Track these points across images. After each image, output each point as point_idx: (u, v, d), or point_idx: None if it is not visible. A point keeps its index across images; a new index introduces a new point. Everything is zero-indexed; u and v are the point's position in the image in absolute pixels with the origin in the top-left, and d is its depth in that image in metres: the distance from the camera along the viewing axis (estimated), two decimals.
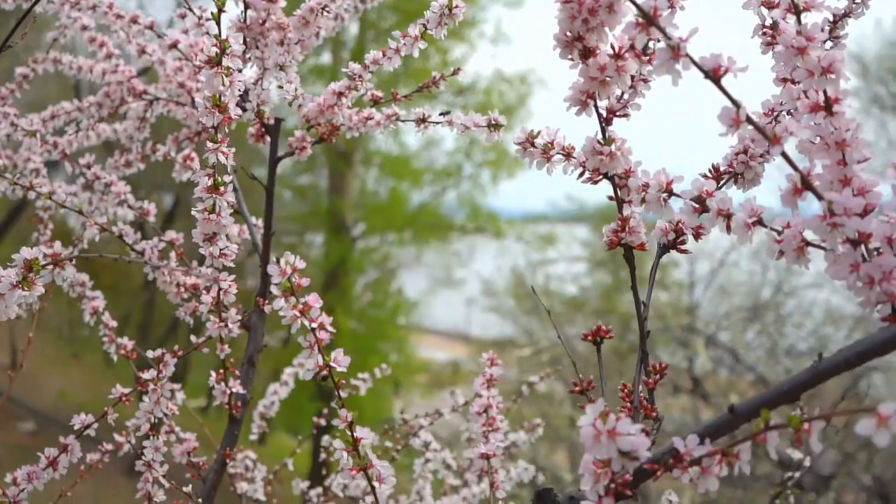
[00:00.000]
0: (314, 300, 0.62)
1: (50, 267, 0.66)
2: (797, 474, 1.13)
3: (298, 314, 0.61)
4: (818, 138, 0.54)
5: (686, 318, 5.79)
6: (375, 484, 0.64)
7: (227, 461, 0.99)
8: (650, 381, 0.62)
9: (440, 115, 0.97)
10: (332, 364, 0.63)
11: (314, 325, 0.62)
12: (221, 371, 0.96)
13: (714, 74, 0.50)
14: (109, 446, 1.12)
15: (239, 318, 0.90)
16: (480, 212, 11.59)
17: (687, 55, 0.50)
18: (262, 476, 1.27)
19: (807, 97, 0.55)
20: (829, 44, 0.73)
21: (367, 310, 11.34)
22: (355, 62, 0.96)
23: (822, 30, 0.72)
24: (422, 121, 0.96)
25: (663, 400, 7.34)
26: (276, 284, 0.61)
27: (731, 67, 0.50)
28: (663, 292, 9.23)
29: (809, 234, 0.55)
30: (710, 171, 0.69)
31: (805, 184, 0.51)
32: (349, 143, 11.59)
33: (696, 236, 0.68)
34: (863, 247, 0.53)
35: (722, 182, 0.68)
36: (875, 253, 0.52)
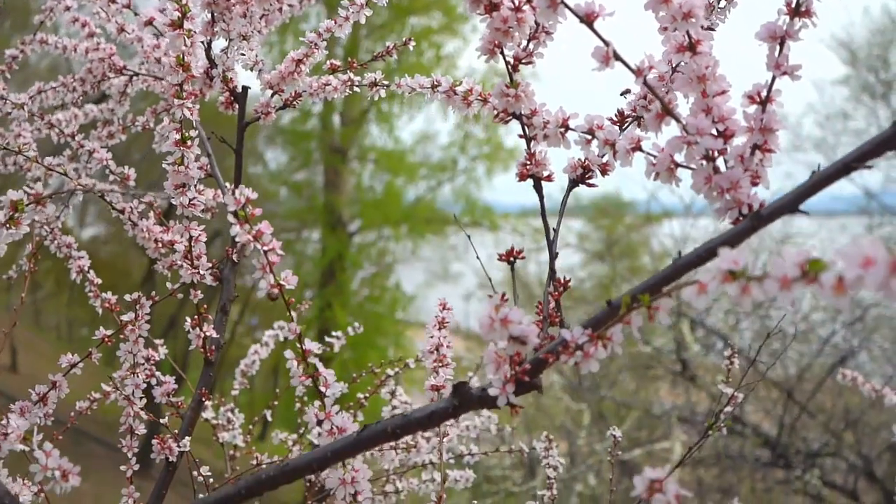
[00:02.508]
0: (266, 227, 0.72)
1: (33, 206, 0.75)
2: (728, 409, 1.22)
3: (252, 238, 0.71)
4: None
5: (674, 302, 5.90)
6: (322, 389, 0.74)
7: (204, 400, 1.08)
8: (556, 293, 0.72)
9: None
10: (282, 283, 0.72)
11: (266, 248, 0.71)
12: (196, 317, 1.05)
13: (588, 19, 0.60)
14: (97, 395, 1.21)
15: (209, 265, 1.00)
16: (476, 205, 11.69)
17: (562, 3, 0.59)
18: (240, 423, 1.37)
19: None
20: (723, 2, 0.82)
21: (365, 305, 11.42)
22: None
23: None
24: (374, 84, 1.05)
25: (653, 385, 7.47)
26: (231, 213, 0.70)
27: (601, 13, 0.60)
28: None
29: (679, 158, 0.64)
30: (615, 114, 0.78)
31: (665, 110, 0.61)
32: (344, 140, 11.70)
33: (603, 172, 0.77)
34: (722, 163, 0.62)
35: (626, 124, 0.78)
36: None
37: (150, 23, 1.13)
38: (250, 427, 1.42)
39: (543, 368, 0.64)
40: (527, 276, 10.50)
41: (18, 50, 1.43)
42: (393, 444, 1.19)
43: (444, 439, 1.23)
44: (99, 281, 1.21)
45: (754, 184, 0.60)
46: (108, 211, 1.28)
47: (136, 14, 1.18)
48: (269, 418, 1.48)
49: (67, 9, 1.28)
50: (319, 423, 0.73)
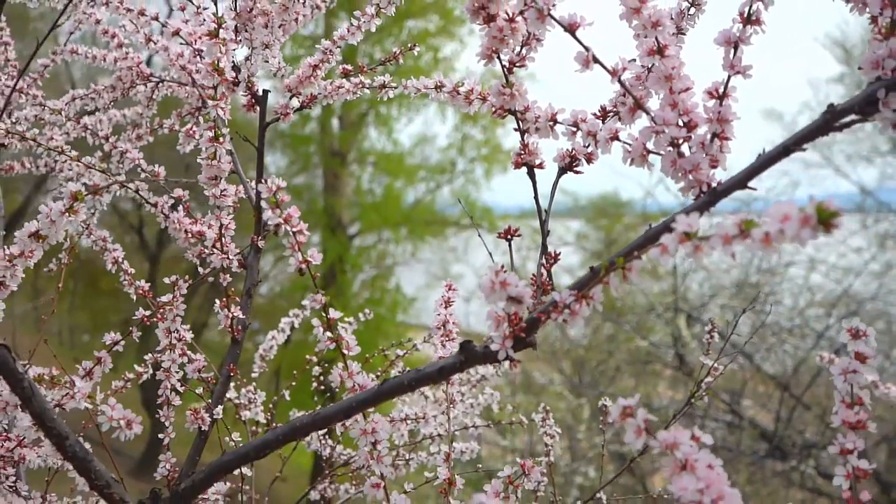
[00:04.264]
0: (294, 211, 0.82)
1: (90, 196, 0.86)
2: (708, 380, 1.32)
3: (283, 221, 0.82)
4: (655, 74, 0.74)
5: (671, 297, 6.01)
6: (345, 351, 0.85)
7: (232, 375, 1.19)
8: (548, 264, 0.83)
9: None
10: (308, 259, 0.83)
11: (295, 229, 0.82)
12: (225, 299, 1.16)
13: (571, 28, 0.71)
14: (131, 375, 1.32)
15: (238, 251, 1.11)
16: (475, 207, 11.80)
17: (549, 15, 0.70)
18: (262, 400, 1.48)
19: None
20: (692, 9, 0.93)
21: (366, 307, 11.52)
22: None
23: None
24: (382, 86, 1.16)
25: (652, 381, 7.57)
26: (264, 199, 0.81)
27: (582, 23, 0.71)
28: (656, 283, 9.45)
29: (650, 145, 0.75)
30: (598, 110, 0.89)
31: (637, 104, 0.72)
32: (343, 143, 11.81)
33: (588, 161, 0.88)
34: (687, 149, 0.73)
35: (608, 118, 0.88)
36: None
37: (177, 33, 1.24)
38: (271, 405, 1.53)
39: (538, 327, 0.74)
40: (526, 274, 10.54)
41: (50, 59, 1.54)
42: (405, 416, 1.30)
43: (452, 403, 1.33)
44: (132, 270, 1.32)
45: (713, 166, 0.71)
46: (109, 217, 1.38)
47: (163, 26, 1.29)
48: (288, 397, 1.59)
49: (98, 21, 1.39)
50: (342, 382, 0.84)
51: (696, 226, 0.58)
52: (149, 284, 1.27)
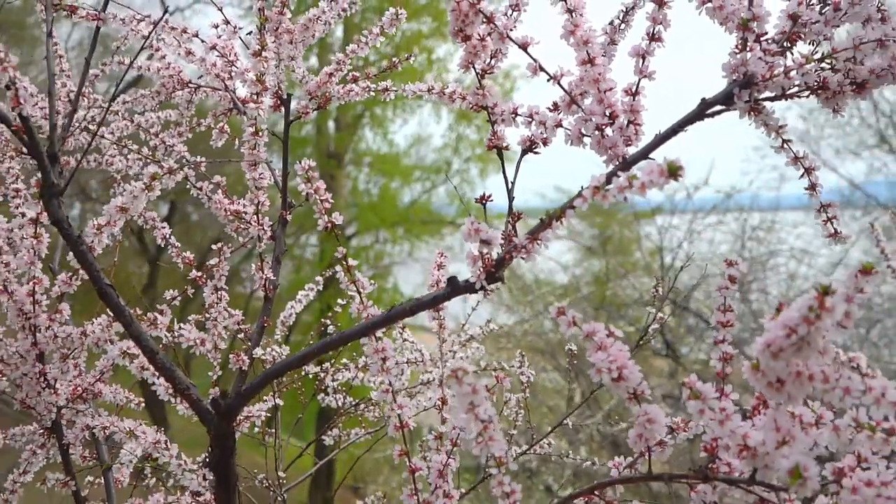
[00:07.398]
0: (322, 184, 1.10)
1: (167, 175, 1.13)
2: (654, 327, 1.60)
3: (313, 192, 1.09)
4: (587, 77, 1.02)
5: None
6: (361, 290, 1.12)
7: (265, 326, 1.46)
8: (513, 221, 1.10)
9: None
10: (333, 220, 1.10)
11: (322, 198, 1.10)
12: (259, 263, 1.43)
13: (523, 46, 0.98)
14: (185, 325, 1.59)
15: (271, 223, 1.38)
16: (470, 206, 12.05)
17: (508, 36, 0.97)
18: (286, 353, 1.75)
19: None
20: (622, 26, 1.20)
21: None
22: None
23: (618, 16, 1.19)
24: (386, 90, 1.44)
25: (644, 366, 7.85)
26: (298, 175, 1.08)
27: (532, 42, 0.98)
28: (648, 279, 9.71)
29: (584, 130, 1.02)
30: (552, 104, 1.16)
31: (572, 100, 0.99)
32: (339, 145, 12.06)
33: (544, 144, 1.15)
34: (609, 132, 1.01)
35: (560, 112, 1.16)
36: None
37: (213, 47, 1.51)
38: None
39: (505, 265, 1.02)
40: (521, 270, 10.85)
41: (100, 69, 1.81)
42: (406, 359, 1.58)
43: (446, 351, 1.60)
44: (178, 245, 1.59)
45: (628, 144, 0.98)
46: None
47: (202, 41, 1.56)
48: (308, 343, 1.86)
49: (145, 38, 1.66)
50: (359, 312, 1.11)
51: (603, 181, 0.85)
52: (193, 255, 1.54)
